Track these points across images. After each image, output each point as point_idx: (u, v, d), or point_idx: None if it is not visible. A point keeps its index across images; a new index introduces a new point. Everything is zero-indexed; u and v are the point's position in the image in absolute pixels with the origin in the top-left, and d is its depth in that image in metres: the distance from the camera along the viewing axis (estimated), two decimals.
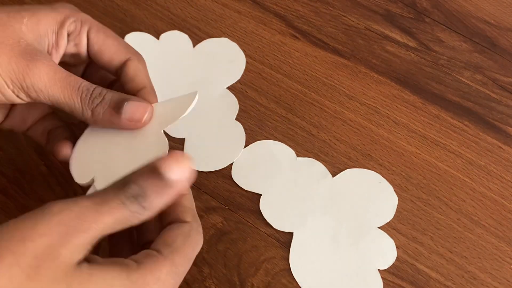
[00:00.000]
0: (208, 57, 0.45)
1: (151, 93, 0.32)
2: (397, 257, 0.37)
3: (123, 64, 0.33)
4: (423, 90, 0.45)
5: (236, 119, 0.42)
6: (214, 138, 0.41)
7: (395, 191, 0.39)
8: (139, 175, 0.25)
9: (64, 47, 0.32)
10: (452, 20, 0.49)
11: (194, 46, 0.45)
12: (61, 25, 0.31)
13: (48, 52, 0.31)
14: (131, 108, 0.30)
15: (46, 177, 0.39)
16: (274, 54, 0.46)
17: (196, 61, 0.45)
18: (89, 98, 0.30)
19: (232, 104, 0.43)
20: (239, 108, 0.43)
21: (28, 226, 0.23)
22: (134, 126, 0.31)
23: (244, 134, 0.41)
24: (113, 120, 0.30)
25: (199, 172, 0.40)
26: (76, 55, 0.33)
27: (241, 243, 0.37)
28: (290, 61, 0.46)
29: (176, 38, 0.46)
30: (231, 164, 0.40)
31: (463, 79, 0.46)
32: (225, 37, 0.46)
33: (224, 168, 0.40)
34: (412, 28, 0.49)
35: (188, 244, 0.27)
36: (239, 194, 0.39)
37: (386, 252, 0.37)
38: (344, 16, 0.49)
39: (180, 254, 0.26)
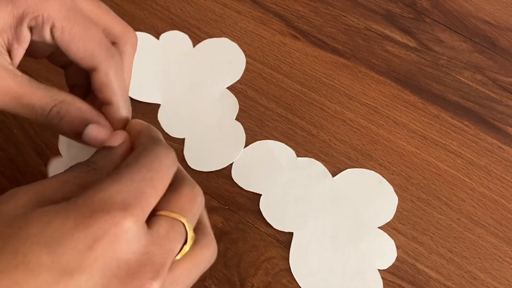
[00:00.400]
0: (208, 57, 0.45)
1: (116, 111, 0.30)
2: (397, 257, 0.37)
3: (92, 71, 0.30)
4: (423, 90, 0.45)
5: (236, 119, 0.42)
6: (214, 138, 0.41)
7: (395, 191, 0.39)
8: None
9: (27, 40, 0.29)
10: (452, 20, 0.49)
11: (194, 46, 0.45)
12: (19, 20, 0.28)
13: (8, 45, 0.29)
14: (91, 135, 0.29)
15: (46, 177, 0.39)
16: (274, 54, 0.46)
17: (196, 61, 0.45)
18: (46, 117, 0.29)
19: (232, 104, 0.43)
20: (239, 108, 0.43)
21: None
22: (98, 147, 0.30)
23: (244, 134, 0.41)
24: (75, 139, 0.30)
25: (199, 172, 0.40)
26: (46, 45, 0.30)
27: (241, 243, 0.37)
28: (290, 61, 0.46)
29: (176, 38, 0.46)
30: (231, 164, 0.40)
31: (463, 79, 0.46)
32: (225, 37, 0.46)
33: (224, 168, 0.40)
34: (412, 28, 0.49)
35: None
36: (239, 194, 0.39)
37: (386, 252, 0.37)
38: (344, 16, 0.49)
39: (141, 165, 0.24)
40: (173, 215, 0.23)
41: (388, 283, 0.36)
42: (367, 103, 0.44)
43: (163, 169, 0.24)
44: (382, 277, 0.36)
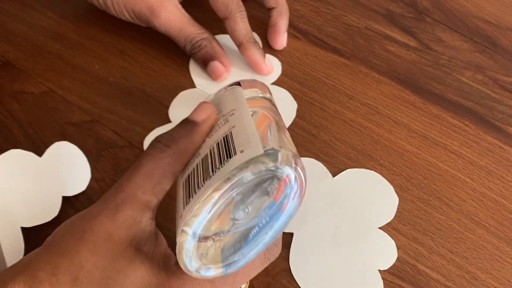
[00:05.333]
0: None
1: (246, 47, 0.43)
2: (397, 258, 0.37)
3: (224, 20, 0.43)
4: (424, 90, 0.45)
5: None
6: None
7: (395, 191, 0.39)
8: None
9: None
10: (453, 20, 0.49)
11: None
12: None
13: None
14: (211, 69, 0.43)
15: None
16: (274, 54, 0.46)
17: None
18: (190, 47, 0.43)
19: None
20: None
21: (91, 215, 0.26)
22: (214, 79, 0.43)
23: None
24: (202, 67, 0.44)
25: None
26: None
27: None
28: (290, 61, 0.45)
29: None
30: None
31: (464, 79, 0.46)
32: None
33: None
34: (412, 27, 0.49)
35: None
36: None
37: (387, 253, 0.37)
38: (345, 16, 0.49)
39: None
40: None
41: (388, 283, 0.36)
42: (367, 103, 0.44)
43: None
44: (382, 278, 0.36)
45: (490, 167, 0.41)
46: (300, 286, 0.36)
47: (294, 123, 0.42)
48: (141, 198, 0.26)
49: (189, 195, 0.25)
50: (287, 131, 0.30)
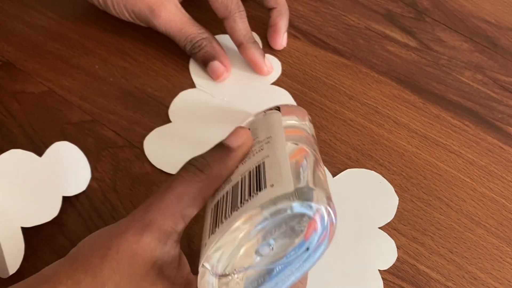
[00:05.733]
0: None
1: (245, 47, 0.43)
2: (397, 258, 0.37)
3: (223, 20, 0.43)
4: (424, 90, 0.45)
5: None
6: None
7: (395, 191, 0.39)
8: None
9: None
10: (453, 20, 0.49)
11: None
12: None
13: None
14: (211, 69, 0.43)
15: None
16: (274, 54, 0.46)
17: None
18: (190, 47, 0.43)
19: None
20: None
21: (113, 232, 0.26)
22: (214, 79, 0.43)
23: None
24: (202, 67, 0.44)
25: None
26: None
27: None
28: (290, 61, 0.45)
29: None
30: None
31: (464, 79, 0.46)
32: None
33: None
34: (412, 27, 0.49)
35: None
36: None
37: (387, 253, 0.37)
38: (345, 16, 0.49)
39: None
40: None
41: (388, 283, 0.36)
42: (367, 103, 0.44)
43: None
44: (382, 278, 0.36)
45: (490, 167, 0.41)
46: None
47: None
48: (168, 220, 0.25)
49: (215, 224, 0.25)
50: (323, 166, 0.29)
